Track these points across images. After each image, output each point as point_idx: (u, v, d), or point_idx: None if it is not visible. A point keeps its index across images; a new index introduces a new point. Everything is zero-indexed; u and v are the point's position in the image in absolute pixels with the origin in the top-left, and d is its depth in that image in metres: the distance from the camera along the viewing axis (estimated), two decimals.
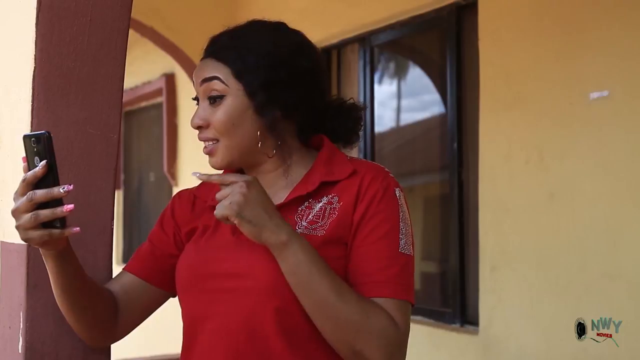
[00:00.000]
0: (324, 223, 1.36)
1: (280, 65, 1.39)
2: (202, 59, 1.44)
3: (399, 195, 1.39)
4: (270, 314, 1.31)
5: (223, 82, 1.39)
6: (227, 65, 1.39)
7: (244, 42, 1.41)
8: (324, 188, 1.40)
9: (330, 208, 1.37)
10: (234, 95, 1.39)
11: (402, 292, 1.34)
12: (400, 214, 1.37)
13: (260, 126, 1.40)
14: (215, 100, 1.40)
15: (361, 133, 1.56)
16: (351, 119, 1.50)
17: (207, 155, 1.43)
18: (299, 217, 1.38)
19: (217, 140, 1.41)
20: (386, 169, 1.43)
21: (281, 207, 1.38)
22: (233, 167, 1.46)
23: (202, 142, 1.45)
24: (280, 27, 1.45)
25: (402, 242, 1.36)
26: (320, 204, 1.38)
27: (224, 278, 1.35)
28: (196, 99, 1.45)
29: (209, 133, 1.41)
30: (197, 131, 1.44)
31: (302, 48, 1.44)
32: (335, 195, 1.38)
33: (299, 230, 1.36)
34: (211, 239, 1.43)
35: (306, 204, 1.39)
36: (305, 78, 1.42)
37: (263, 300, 1.31)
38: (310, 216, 1.37)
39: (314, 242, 1.33)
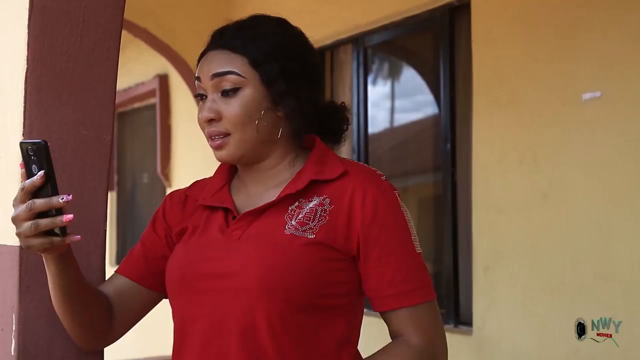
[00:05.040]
0: (314, 225, 1.34)
1: (293, 56, 1.39)
2: (208, 52, 1.41)
3: (398, 197, 1.38)
4: (262, 314, 1.30)
5: (239, 75, 1.36)
6: (243, 55, 1.37)
7: (256, 33, 1.39)
8: (315, 188, 1.38)
9: (322, 210, 1.35)
10: (251, 85, 1.37)
11: (430, 293, 1.36)
12: (406, 216, 1.38)
13: (275, 117, 1.39)
14: (229, 93, 1.36)
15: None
16: (340, 119, 1.50)
17: (214, 149, 1.40)
18: (289, 217, 1.36)
19: (228, 134, 1.37)
20: (378, 172, 1.41)
21: (271, 206, 1.37)
22: (238, 162, 1.43)
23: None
24: (284, 21, 1.45)
25: (415, 244, 1.37)
26: (311, 205, 1.36)
27: (214, 278, 1.34)
28: (198, 95, 1.41)
29: (221, 126, 1.37)
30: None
31: (306, 42, 1.45)
32: (327, 197, 1.36)
33: (288, 230, 1.34)
34: (200, 239, 1.42)
35: (297, 203, 1.37)
36: (312, 72, 1.43)
37: (254, 300, 1.30)
38: (300, 216, 1.35)
39: (302, 243, 1.32)
